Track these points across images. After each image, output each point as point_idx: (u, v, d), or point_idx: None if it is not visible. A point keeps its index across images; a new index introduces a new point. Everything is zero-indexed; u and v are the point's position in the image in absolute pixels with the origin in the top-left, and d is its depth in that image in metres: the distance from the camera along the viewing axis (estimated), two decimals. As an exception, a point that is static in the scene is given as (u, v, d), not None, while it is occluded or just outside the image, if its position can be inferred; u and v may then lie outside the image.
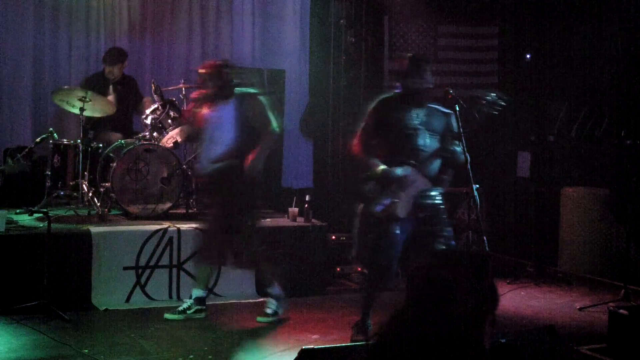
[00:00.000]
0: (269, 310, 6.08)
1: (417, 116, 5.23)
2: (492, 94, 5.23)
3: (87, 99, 7.07)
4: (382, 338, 1.97)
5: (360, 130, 5.39)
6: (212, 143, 6.00)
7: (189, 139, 7.04)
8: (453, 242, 5.33)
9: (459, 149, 5.27)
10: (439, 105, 5.36)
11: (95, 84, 7.70)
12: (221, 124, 5.97)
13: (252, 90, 6.15)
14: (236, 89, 6.04)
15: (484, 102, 5.20)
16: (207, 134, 6.05)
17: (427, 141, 5.21)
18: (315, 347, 2.90)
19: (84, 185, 7.05)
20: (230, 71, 6.08)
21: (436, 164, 5.22)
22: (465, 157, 5.06)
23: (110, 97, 7.79)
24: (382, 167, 5.19)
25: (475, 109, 5.26)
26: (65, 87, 7.63)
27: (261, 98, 6.07)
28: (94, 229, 6.45)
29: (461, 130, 5.13)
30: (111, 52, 7.98)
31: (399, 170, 5.17)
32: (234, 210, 5.90)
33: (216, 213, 6.03)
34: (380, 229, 5.24)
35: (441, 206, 5.25)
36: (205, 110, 6.12)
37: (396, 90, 5.36)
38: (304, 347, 2.88)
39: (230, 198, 5.91)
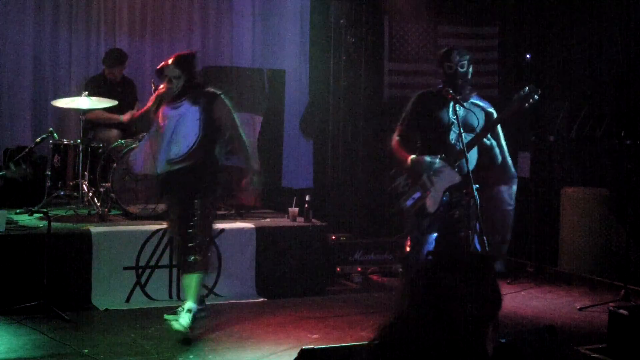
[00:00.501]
0: (183, 323, 5.44)
1: (453, 111, 5.18)
2: (525, 88, 5.22)
3: (85, 111, 7.14)
4: (383, 340, 1.96)
5: (399, 124, 5.40)
6: (173, 143, 5.54)
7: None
8: (477, 246, 5.20)
9: (488, 142, 5.24)
10: (481, 100, 5.34)
11: (97, 87, 7.67)
12: (186, 124, 5.54)
13: (216, 90, 5.70)
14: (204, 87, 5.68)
15: (516, 96, 5.20)
16: (168, 132, 5.56)
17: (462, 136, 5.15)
18: (315, 347, 2.90)
19: (84, 185, 7.05)
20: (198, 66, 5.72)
21: (470, 159, 5.10)
22: (465, 157, 5.04)
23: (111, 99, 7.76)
24: (412, 156, 5.17)
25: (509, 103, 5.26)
26: (65, 100, 7.61)
27: (226, 99, 5.65)
28: (94, 229, 6.45)
29: (461, 129, 5.11)
30: (112, 54, 7.94)
31: (427, 158, 5.14)
32: (194, 213, 5.52)
33: (178, 215, 5.66)
34: (410, 224, 5.23)
35: (470, 206, 5.14)
36: (166, 107, 5.65)
37: (439, 86, 5.34)
38: (304, 347, 2.87)
39: (191, 200, 5.53)
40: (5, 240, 6.16)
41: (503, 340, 3.20)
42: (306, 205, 7.33)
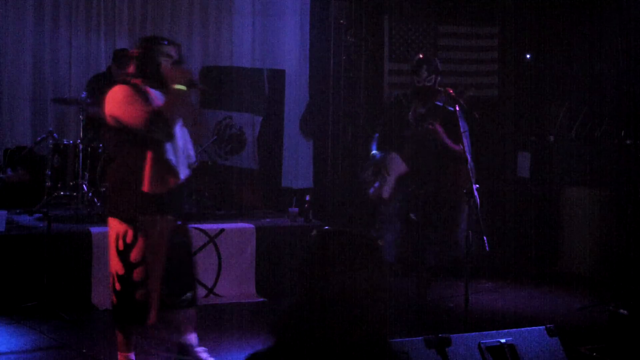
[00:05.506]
0: None
1: (415, 111, 5.86)
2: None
3: (86, 100, 7.09)
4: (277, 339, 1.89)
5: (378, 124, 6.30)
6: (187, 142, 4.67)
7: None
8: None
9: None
10: (444, 103, 5.83)
11: (100, 84, 7.63)
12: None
13: None
14: None
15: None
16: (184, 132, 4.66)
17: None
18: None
19: (84, 185, 7.05)
20: None
21: (429, 155, 5.61)
22: (465, 157, 5.07)
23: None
24: (372, 152, 6.01)
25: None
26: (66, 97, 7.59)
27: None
28: (94, 229, 6.45)
29: (462, 129, 5.16)
30: (123, 55, 7.91)
31: (377, 154, 5.97)
32: None
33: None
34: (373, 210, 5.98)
35: (431, 208, 5.47)
36: None
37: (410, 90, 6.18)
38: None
39: None
40: (5, 240, 6.16)
41: (503, 340, 3.20)
42: (306, 205, 7.33)
